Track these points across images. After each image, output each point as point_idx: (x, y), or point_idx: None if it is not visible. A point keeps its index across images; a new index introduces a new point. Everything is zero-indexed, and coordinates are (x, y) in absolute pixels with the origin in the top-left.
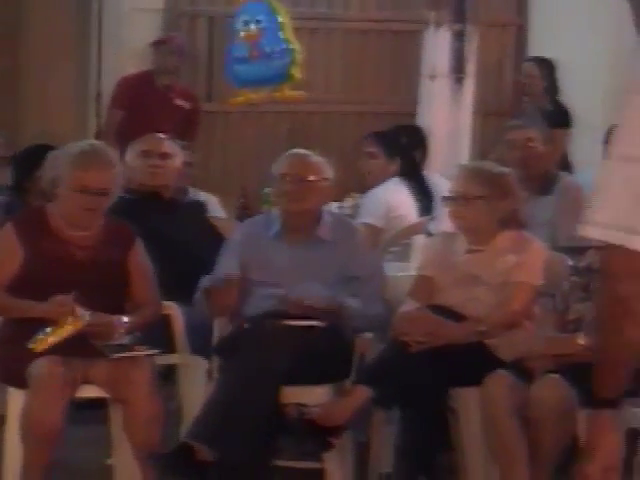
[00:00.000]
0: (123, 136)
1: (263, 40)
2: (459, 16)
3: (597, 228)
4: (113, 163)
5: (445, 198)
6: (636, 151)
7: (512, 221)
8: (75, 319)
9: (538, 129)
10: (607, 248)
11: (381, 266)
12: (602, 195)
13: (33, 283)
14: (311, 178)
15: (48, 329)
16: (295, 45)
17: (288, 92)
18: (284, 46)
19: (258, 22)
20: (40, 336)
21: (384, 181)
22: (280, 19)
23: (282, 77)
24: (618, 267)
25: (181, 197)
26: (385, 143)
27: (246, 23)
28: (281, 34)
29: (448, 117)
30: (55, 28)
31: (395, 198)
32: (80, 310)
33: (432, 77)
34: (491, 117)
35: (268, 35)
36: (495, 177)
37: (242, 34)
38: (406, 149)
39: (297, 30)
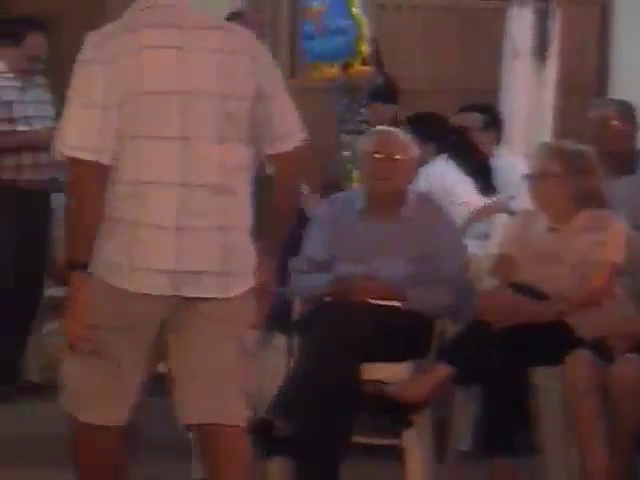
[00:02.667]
0: None
1: (328, 16)
2: None
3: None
4: None
5: (525, 176)
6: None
7: (593, 199)
8: None
9: (618, 107)
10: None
11: (463, 244)
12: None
13: None
14: (398, 157)
15: None
16: (361, 20)
17: (358, 67)
18: (349, 21)
19: None
20: None
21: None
22: None
23: (349, 53)
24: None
25: (259, 172)
26: (413, 128)
27: None
28: (347, 9)
29: (530, 95)
30: None
31: (442, 179)
32: None
33: (515, 55)
34: (574, 95)
35: (333, 10)
36: (574, 155)
37: (311, 10)
38: (438, 133)
39: (380, 7)
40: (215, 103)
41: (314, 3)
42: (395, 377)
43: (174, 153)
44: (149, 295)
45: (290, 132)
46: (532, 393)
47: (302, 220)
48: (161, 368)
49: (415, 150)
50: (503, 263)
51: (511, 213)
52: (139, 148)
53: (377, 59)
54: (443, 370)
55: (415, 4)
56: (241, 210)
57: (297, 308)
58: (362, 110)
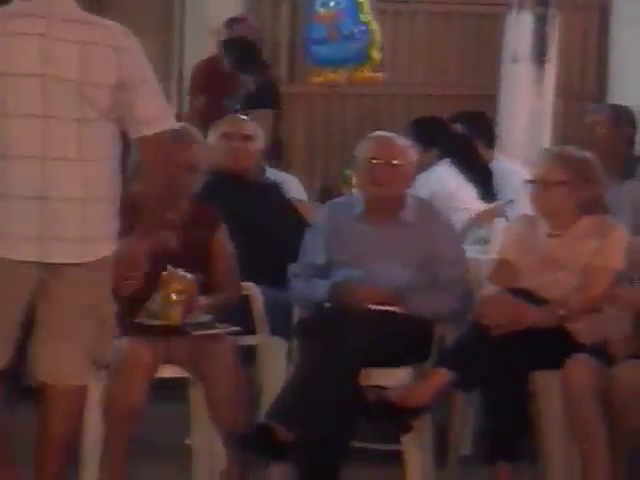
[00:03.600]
0: (204, 119)
1: (342, 21)
2: None
3: None
4: (201, 141)
5: (527, 182)
6: None
7: (594, 206)
8: (180, 279)
9: (609, 112)
10: None
11: (462, 249)
12: None
13: None
14: (396, 162)
15: (156, 300)
16: (374, 26)
17: (367, 73)
18: (363, 27)
19: (337, 3)
20: (157, 310)
21: (423, 170)
22: (357, 4)
23: (361, 58)
24: None
25: (259, 178)
26: (416, 133)
27: (325, 4)
28: (360, 15)
29: (530, 100)
30: (139, 6)
31: (444, 184)
32: (179, 271)
33: (514, 60)
34: (573, 100)
35: (347, 16)
36: (577, 162)
37: (320, 15)
38: (441, 137)
39: (380, 12)
40: (73, 87)
41: (320, 9)
42: (395, 382)
43: (36, 130)
44: (17, 261)
45: (151, 118)
46: (533, 398)
47: (301, 226)
48: (160, 374)
49: (413, 155)
50: (502, 268)
51: (509, 218)
52: (5, 126)
53: (258, 63)
54: (443, 375)
55: (415, 9)
56: (101, 182)
57: (297, 313)
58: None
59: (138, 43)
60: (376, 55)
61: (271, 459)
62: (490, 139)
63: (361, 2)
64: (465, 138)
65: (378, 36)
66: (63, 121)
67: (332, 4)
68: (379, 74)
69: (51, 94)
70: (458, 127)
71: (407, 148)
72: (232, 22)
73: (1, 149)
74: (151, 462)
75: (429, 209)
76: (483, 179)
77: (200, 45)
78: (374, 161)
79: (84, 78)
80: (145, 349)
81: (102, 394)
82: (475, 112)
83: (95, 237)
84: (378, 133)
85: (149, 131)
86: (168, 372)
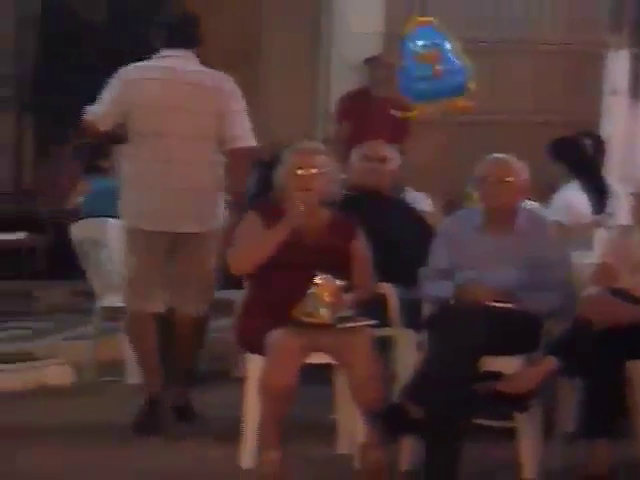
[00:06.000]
0: (348, 143)
1: (443, 59)
2: (637, 40)
3: None
4: (323, 151)
5: (631, 194)
6: None
7: None
8: (330, 284)
9: None
10: None
11: (568, 255)
12: None
13: (270, 262)
14: (509, 179)
15: (309, 300)
16: (468, 62)
17: (461, 103)
18: (461, 63)
19: (436, 45)
20: (312, 309)
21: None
22: (448, 44)
23: (460, 90)
24: None
25: (396, 194)
26: (555, 153)
27: (425, 46)
28: (454, 53)
29: (627, 128)
30: (290, 48)
31: (576, 199)
32: (329, 277)
33: (613, 93)
34: None
35: (445, 55)
36: None
37: (421, 55)
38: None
39: (490, 51)
40: (191, 115)
41: (420, 50)
42: (510, 368)
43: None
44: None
45: (237, 136)
46: (629, 385)
47: (430, 235)
48: (309, 360)
49: (525, 172)
50: (604, 271)
51: (608, 228)
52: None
53: None
54: (550, 363)
55: (524, 49)
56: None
57: (426, 309)
58: None
59: (235, 86)
60: (472, 87)
61: (403, 433)
62: (603, 157)
63: (451, 45)
64: (596, 163)
65: (472, 71)
66: (178, 138)
67: (431, 48)
68: (471, 103)
69: (177, 119)
70: (589, 143)
71: (518, 167)
72: (368, 60)
73: (164, 156)
74: (302, 434)
75: (538, 218)
76: (602, 199)
77: (344, 82)
78: (489, 179)
79: (197, 108)
80: (295, 339)
81: (259, 378)
82: (593, 132)
83: (206, 215)
84: (492, 155)
85: (235, 145)
86: (316, 359)
